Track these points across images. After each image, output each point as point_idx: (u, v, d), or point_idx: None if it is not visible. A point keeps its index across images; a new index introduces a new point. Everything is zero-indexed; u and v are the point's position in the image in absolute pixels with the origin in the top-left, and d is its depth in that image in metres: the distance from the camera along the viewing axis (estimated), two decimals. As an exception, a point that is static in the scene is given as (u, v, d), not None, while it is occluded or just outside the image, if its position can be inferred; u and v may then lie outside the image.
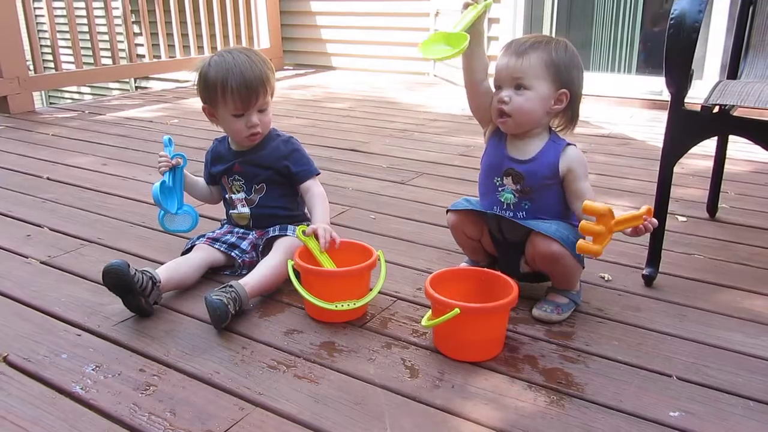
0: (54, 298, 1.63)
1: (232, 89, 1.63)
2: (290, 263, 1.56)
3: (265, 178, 1.76)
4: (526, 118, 1.50)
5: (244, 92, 1.63)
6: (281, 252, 1.65)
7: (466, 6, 1.48)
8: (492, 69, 1.55)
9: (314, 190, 1.76)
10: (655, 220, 1.40)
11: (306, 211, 1.84)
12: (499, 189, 1.57)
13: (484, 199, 1.62)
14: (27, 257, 1.88)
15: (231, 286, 1.51)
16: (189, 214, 1.87)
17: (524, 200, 1.54)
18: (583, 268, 1.57)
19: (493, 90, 1.54)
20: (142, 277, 1.49)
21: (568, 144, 1.54)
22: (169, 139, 1.86)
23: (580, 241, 1.36)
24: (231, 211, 1.83)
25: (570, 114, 1.54)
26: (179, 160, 1.80)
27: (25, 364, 1.34)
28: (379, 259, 1.57)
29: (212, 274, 1.73)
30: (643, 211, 1.38)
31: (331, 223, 1.70)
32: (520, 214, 1.55)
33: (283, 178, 1.77)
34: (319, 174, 1.80)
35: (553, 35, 4.47)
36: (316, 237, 1.59)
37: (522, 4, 4.46)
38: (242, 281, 1.55)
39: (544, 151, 1.52)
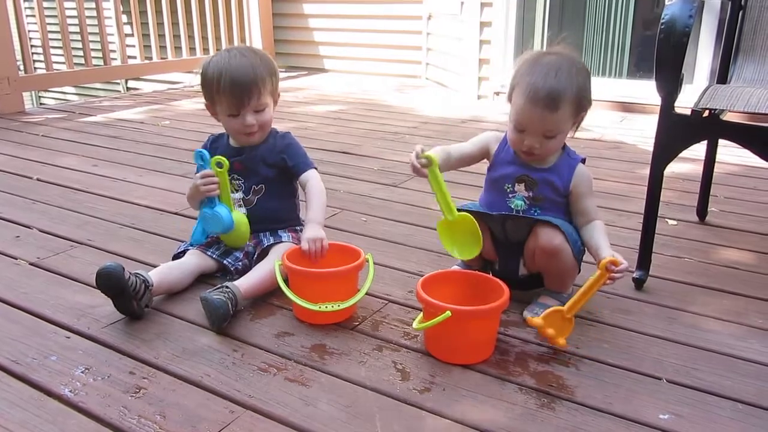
0: (43, 300, 1.62)
1: (224, 90, 1.64)
2: (277, 263, 1.56)
3: (264, 177, 1.74)
4: (554, 152, 1.54)
5: (237, 93, 1.64)
6: (277, 257, 1.64)
7: (419, 170, 1.47)
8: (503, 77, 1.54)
9: (313, 183, 1.73)
10: (623, 265, 1.38)
11: (300, 214, 1.84)
12: (510, 195, 1.57)
13: (489, 208, 1.61)
14: (16, 258, 1.87)
15: (227, 287, 1.50)
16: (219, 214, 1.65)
17: (534, 207, 1.55)
18: (579, 271, 1.58)
19: (513, 130, 1.51)
20: (136, 281, 1.48)
21: (581, 161, 1.56)
22: (205, 154, 1.67)
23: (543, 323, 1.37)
24: None
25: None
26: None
27: (13, 367, 1.33)
28: (367, 261, 1.57)
29: (203, 277, 1.72)
30: (599, 272, 1.38)
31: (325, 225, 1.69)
32: None
33: (282, 174, 1.76)
34: (316, 168, 1.79)
35: (544, 37, 4.55)
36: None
37: (514, 8, 4.47)
38: (236, 283, 1.55)
39: (560, 163, 1.54)
